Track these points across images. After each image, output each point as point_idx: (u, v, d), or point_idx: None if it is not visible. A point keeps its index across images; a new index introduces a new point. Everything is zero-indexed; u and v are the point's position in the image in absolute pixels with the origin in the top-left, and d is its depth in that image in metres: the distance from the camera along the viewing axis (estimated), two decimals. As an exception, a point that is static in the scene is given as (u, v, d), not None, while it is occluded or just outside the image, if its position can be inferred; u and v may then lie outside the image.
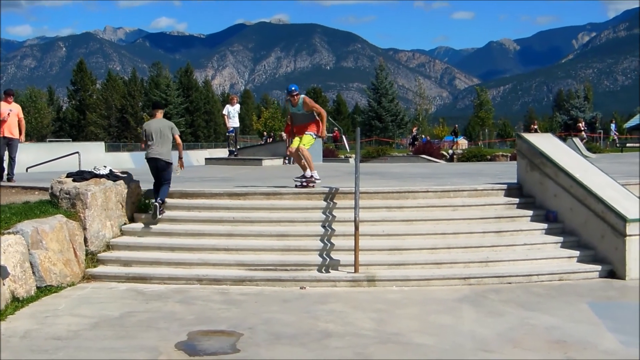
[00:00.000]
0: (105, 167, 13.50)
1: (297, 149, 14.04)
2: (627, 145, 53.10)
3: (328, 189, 13.19)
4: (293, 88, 14.13)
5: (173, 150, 13.13)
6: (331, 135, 58.15)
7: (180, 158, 13.69)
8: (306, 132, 14.12)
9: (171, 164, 13.02)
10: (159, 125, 13.06)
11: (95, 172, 13.03)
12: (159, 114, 13.57)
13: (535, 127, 51.22)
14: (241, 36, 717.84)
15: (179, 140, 13.24)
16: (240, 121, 27.55)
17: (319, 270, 11.26)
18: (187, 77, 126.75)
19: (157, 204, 12.55)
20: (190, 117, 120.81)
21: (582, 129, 47.81)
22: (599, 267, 11.69)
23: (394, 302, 10.04)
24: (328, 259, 11.44)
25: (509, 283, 11.07)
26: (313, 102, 14.26)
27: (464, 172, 20.22)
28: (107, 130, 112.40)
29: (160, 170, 12.87)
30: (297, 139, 14.25)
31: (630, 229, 11.50)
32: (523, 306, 9.78)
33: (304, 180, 13.83)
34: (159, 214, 12.59)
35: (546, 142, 14.32)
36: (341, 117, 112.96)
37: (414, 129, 60.92)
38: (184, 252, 11.97)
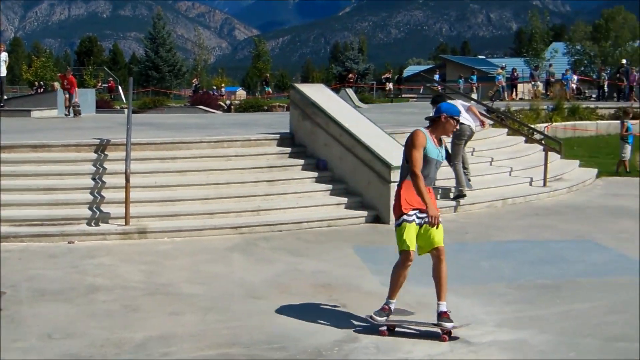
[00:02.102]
0: None
1: None
2: (399, 96, 55.25)
3: (99, 140, 12.82)
4: None
5: None
6: (106, 85, 56.60)
7: None
8: None
9: None
10: None
11: None
12: None
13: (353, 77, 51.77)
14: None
15: None
16: (8, 70, 26.00)
17: (89, 224, 10.97)
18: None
19: None
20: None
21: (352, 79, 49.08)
22: (365, 213, 12.21)
23: (165, 253, 10.02)
24: (98, 212, 11.17)
25: (280, 231, 11.33)
26: None
27: (240, 123, 20.35)
28: None
29: None
30: None
31: (395, 175, 12.01)
32: (292, 253, 10.08)
33: None
34: None
35: (318, 93, 14.68)
36: (117, 67, 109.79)
37: (194, 80, 60.31)
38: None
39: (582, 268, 9.33)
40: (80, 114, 25.22)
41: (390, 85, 55.89)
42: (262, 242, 10.68)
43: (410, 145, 6.75)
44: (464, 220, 12.28)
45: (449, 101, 13.43)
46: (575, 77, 43.94)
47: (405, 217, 6.76)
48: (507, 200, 13.71)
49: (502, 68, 45.39)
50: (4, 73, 25.48)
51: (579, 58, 63.30)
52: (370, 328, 6.84)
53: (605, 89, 40.85)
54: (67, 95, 25.55)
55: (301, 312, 7.47)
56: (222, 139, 13.78)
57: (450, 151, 10.49)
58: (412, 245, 6.79)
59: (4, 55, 25.58)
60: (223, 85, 59.61)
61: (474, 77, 49.00)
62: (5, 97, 27.84)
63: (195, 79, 61.08)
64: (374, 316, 6.90)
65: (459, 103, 13.55)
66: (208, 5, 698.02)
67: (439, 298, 6.86)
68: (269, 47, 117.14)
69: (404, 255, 6.85)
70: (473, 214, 12.90)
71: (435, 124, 6.90)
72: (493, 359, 6.23)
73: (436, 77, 55.08)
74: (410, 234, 6.76)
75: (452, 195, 13.34)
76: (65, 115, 25.51)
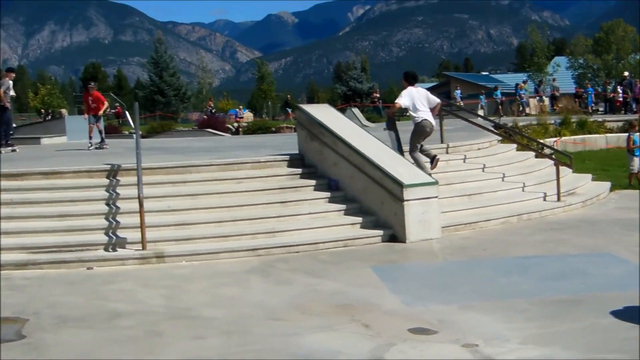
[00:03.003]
0: None
1: None
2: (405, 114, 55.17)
3: (110, 166, 12.86)
4: None
5: None
6: (114, 111, 56.68)
7: None
8: None
9: None
10: None
11: None
12: None
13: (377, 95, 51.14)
14: (10, 9, 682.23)
15: None
16: (16, 99, 25.97)
17: (106, 250, 10.99)
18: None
19: None
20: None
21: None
22: (381, 232, 12.18)
23: (184, 277, 10.02)
24: (114, 238, 11.19)
25: (297, 252, 11.32)
26: None
27: (248, 145, 20.37)
28: None
29: None
30: None
31: (407, 194, 12.04)
32: (310, 273, 10.05)
33: None
34: None
35: (324, 113, 14.71)
36: (123, 92, 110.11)
37: (209, 103, 60.24)
38: (-42, 239, 11.27)
39: (603, 281, 9.29)
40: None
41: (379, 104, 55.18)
42: (279, 263, 10.66)
43: None
44: (480, 237, 12.25)
45: (408, 88, 14.32)
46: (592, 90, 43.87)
47: None
48: (522, 215, 13.68)
49: (524, 82, 45.28)
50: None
51: (583, 72, 63.29)
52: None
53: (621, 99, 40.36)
54: (93, 122, 21.00)
55: (324, 333, 7.45)
56: (231, 162, 13.79)
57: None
58: None
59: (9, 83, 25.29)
60: (241, 107, 59.75)
61: (499, 93, 48.42)
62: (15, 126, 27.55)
63: (210, 102, 61.00)
64: None
65: (422, 96, 14.33)
66: (208, 29, 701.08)
67: None
68: (272, 68, 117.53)
69: None
70: (489, 230, 12.87)
71: None
72: (521, 375, 6.20)
73: (457, 92, 54.83)
74: None
75: None
76: (92, 145, 20.96)
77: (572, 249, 11.28)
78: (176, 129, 42.25)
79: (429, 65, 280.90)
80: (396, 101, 14.63)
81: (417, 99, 14.24)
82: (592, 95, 41.69)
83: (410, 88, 14.40)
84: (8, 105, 20.33)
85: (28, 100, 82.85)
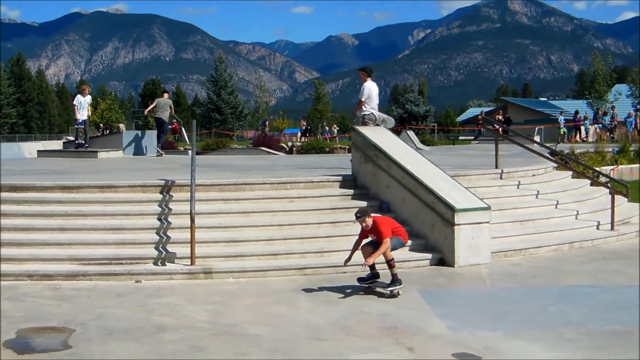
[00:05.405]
0: None
1: None
2: (460, 138, 55.07)
3: (164, 181, 13.02)
4: None
5: None
6: (170, 127, 57.32)
7: None
8: None
9: None
10: None
11: None
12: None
13: (500, 117, 50.08)
14: (77, 25, 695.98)
15: None
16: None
17: (155, 264, 11.12)
18: (18, 66, 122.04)
19: None
20: (23, 108, 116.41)
21: (500, 119, 46.88)
22: (429, 256, 12.11)
23: (230, 293, 10.07)
24: (164, 252, 11.31)
25: (344, 272, 11.28)
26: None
27: (302, 165, 20.45)
28: None
29: None
30: None
31: (458, 218, 11.96)
32: (357, 295, 10.02)
33: None
34: None
35: (379, 135, 14.69)
36: (180, 109, 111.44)
37: (303, 122, 60.66)
38: (13, 248, 11.47)
39: (655, 314, 9.10)
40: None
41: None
42: (326, 283, 10.65)
43: None
44: (531, 264, 12.09)
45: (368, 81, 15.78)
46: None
47: None
48: (574, 243, 13.48)
49: (605, 113, 44.64)
50: (86, 115, 26.40)
51: (643, 100, 62.48)
52: None
53: None
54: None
55: (367, 354, 7.43)
56: (284, 181, 13.86)
57: None
58: None
59: (89, 97, 26.64)
60: (332, 127, 60.00)
61: (562, 118, 47.24)
62: (89, 137, 28.60)
63: (304, 121, 61.25)
64: None
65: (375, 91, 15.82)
66: (269, 49, 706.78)
67: None
68: (329, 89, 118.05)
69: None
70: (540, 257, 12.71)
71: None
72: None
73: (561, 118, 51.71)
74: None
75: None
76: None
77: (625, 279, 11.07)
78: (231, 146, 42.54)
79: (487, 90, 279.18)
80: (361, 99, 15.80)
81: (374, 92, 15.87)
82: (632, 124, 40.97)
83: (369, 81, 15.80)
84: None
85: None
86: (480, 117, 50.77)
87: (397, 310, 9.16)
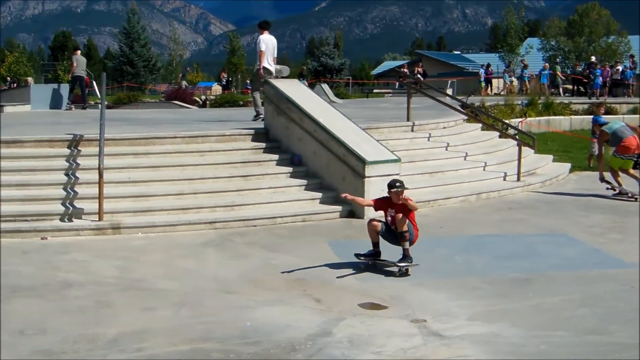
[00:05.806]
0: None
1: None
2: (374, 91, 55.22)
3: (72, 136, 12.73)
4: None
5: None
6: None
7: None
8: None
9: None
10: None
11: None
12: None
13: (420, 69, 49.14)
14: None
15: None
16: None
17: (62, 220, 10.90)
18: None
19: None
20: None
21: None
22: (339, 208, 12.21)
23: (139, 248, 9.98)
24: (71, 208, 11.10)
25: (254, 226, 11.32)
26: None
27: (215, 118, 20.27)
28: None
29: None
30: None
31: (369, 170, 12.07)
32: (266, 248, 10.08)
33: None
34: None
35: (292, 88, 14.66)
36: (92, 62, 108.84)
37: (223, 75, 59.55)
38: None
39: (555, 262, 9.39)
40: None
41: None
42: (237, 237, 10.66)
43: None
44: (439, 215, 12.32)
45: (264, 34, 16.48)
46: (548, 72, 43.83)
47: None
48: (481, 194, 13.78)
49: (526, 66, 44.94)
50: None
51: (554, 54, 63.58)
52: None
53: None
54: None
55: (275, 306, 7.49)
56: (196, 135, 13.72)
57: None
58: None
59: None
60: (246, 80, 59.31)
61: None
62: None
63: (224, 74, 60.21)
64: None
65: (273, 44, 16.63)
66: (183, 0, 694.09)
67: None
68: (245, 42, 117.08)
69: None
70: (447, 208, 12.95)
71: None
72: (465, 352, 6.27)
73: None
74: None
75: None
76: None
77: (528, 229, 11.40)
78: (143, 100, 41.77)
79: (403, 43, 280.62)
80: (261, 49, 16.48)
81: (270, 45, 16.59)
82: (547, 77, 41.59)
83: (266, 34, 16.62)
84: None
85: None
86: (402, 70, 51.01)
87: (306, 262, 9.23)
